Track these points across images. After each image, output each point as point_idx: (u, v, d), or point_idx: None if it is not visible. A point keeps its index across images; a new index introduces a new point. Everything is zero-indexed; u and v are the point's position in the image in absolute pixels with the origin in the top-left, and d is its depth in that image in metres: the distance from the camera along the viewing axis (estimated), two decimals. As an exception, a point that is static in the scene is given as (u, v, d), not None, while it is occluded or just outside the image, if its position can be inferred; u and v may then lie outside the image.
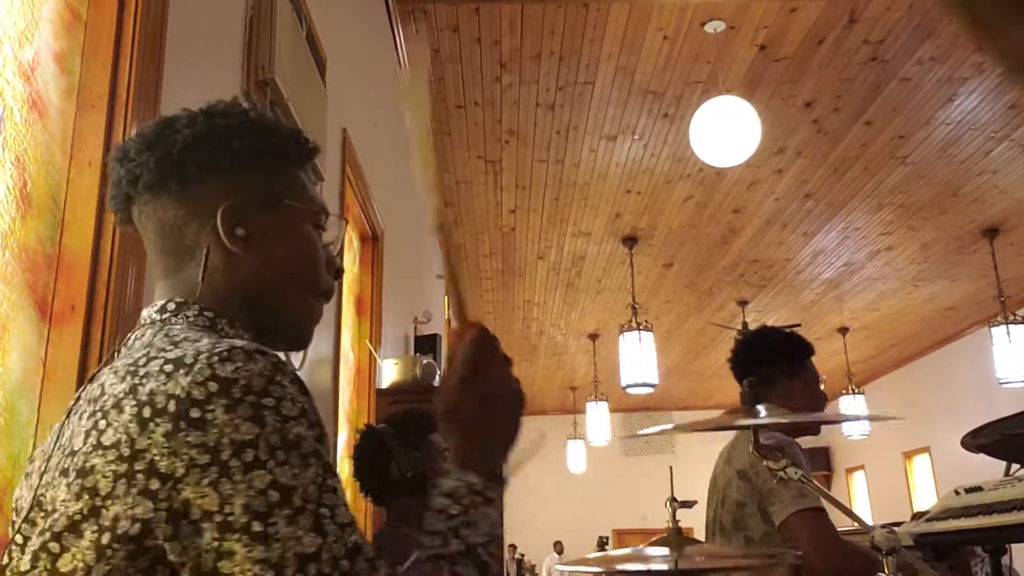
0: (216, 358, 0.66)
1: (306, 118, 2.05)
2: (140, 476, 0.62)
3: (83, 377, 1.09)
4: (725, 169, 5.02)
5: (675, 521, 1.31)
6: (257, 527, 0.62)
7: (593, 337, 8.78)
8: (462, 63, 4.16)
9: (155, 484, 0.62)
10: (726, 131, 3.97)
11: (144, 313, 0.82)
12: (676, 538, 1.29)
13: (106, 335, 1.13)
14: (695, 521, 2.09)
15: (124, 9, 1.27)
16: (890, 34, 3.95)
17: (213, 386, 0.64)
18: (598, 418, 8.74)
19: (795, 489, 1.82)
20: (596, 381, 8.89)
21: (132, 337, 0.79)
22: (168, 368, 0.66)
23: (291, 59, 1.97)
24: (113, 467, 0.63)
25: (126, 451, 0.63)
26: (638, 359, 5.98)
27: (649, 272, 6.99)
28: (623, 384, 6.06)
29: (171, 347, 0.70)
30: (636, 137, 4.87)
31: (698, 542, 1.34)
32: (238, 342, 0.69)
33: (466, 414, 0.81)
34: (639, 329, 6.01)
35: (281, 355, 0.72)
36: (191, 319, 0.79)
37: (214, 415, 0.63)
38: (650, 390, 6.12)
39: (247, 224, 0.82)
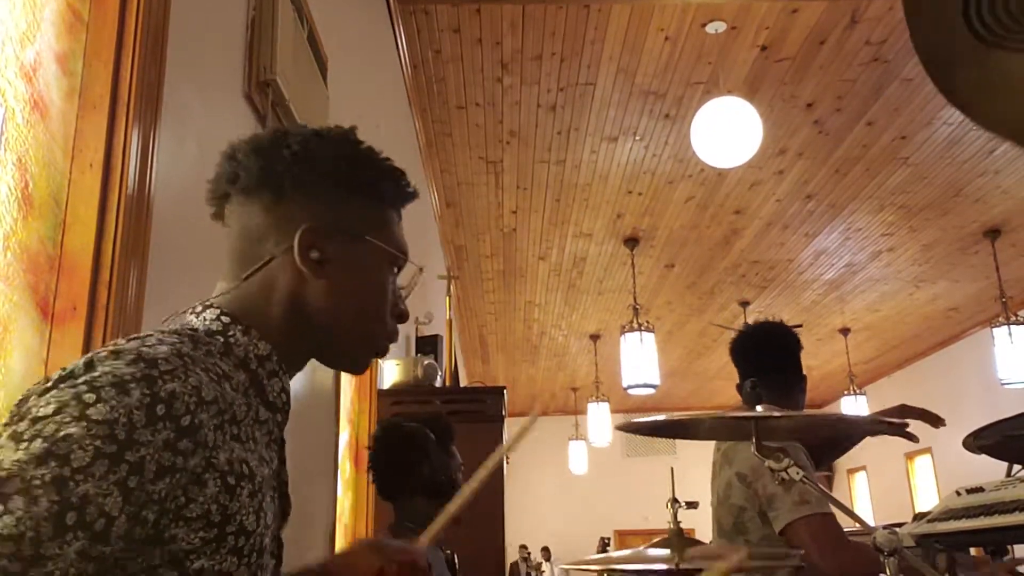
0: (128, 360, 0.66)
1: (307, 119, 2.05)
2: None
3: (84, 378, 1.08)
4: (726, 170, 5.02)
5: (676, 522, 1.31)
6: None
7: (594, 338, 8.78)
8: (463, 64, 4.16)
9: None
10: (727, 132, 3.97)
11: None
12: (677, 540, 1.29)
13: (107, 336, 1.13)
14: (696, 521, 2.08)
15: (126, 10, 1.27)
16: (892, 35, 3.95)
17: (104, 380, 0.64)
18: (599, 419, 8.73)
19: (796, 495, 1.79)
20: (597, 382, 8.88)
21: None
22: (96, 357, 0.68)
23: (292, 60, 1.97)
24: None
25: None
26: (639, 360, 5.97)
27: (650, 273, 6.98)
28: (624, 385, 6.05)
29: (123, 341, 0.71)
30: (637, 138, 4.87)
31: (699, 543, 1.34)
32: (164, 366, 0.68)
33: None
34: (640, 330, 6.00)
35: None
36: (207, 321, 0.81)
37: (60, 393, 0.63)
38: (651, 391, 6.11)
39: (324, 249, 0.84)
